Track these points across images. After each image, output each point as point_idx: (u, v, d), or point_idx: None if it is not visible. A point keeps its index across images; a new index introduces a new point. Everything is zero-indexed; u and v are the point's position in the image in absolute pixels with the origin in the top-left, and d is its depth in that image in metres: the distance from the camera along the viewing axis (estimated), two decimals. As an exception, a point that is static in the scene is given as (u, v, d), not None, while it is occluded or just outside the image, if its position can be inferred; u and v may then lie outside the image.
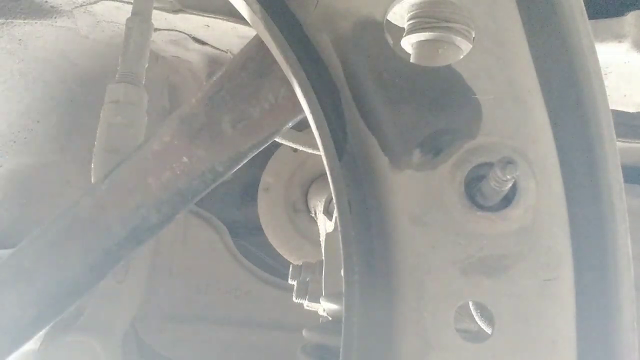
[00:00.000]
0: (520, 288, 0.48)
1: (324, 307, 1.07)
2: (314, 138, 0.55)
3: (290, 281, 1.42)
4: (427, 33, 0.75)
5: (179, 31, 1.51)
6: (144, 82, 1.22)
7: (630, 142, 1.46)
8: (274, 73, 0.64)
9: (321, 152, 0.54)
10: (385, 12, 0.55)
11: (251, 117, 0.66)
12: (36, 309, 0.71)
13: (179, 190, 0.68)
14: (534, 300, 0.48)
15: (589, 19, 0.52)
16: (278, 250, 2.13)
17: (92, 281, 0.72)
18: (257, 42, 0.65)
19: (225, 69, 0.68)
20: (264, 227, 2.12)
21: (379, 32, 0.55)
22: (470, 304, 0.77)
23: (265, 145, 0.70)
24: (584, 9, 0.52)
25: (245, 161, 0.70)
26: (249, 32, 0.68)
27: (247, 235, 2.23)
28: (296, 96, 0.59)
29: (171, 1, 1.36)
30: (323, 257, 1.22)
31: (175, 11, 1.38)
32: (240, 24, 1.39)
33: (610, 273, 0.48)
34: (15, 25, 1.38)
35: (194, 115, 0.67)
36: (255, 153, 0.70)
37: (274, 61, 0.61)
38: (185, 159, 0.67)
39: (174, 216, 0.70)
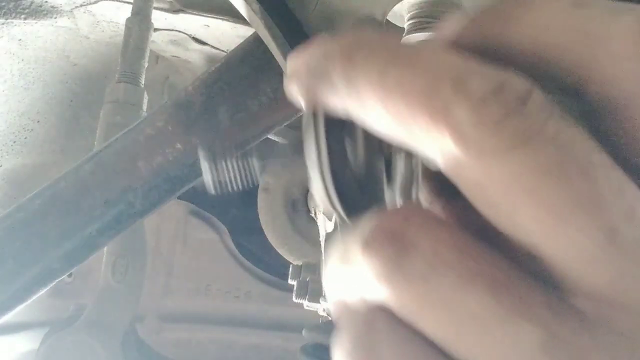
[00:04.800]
0: (520, 288, 0.48)
1: (324, 307, 1.07)
2: (314, 138, 0.55)
3: (290, 281, 1.42)
4: (427, 33, 0.75)
5: (179, 31, 1.50)
6: (144, 82, 1.22)
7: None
8: (273, 69, 0.63)
9: (321, 152, 0.54)
10: (385, 12, 0.55)
11: (249, 109, 0.65)
12: (1, 294, 0.65)
13: (168, 177, 0.66)
14: (534, 300, 0.48)
15: (589, 19, 0.52)
16: (278, 250, 2.13)
17: (64, 269, 0.67)
18: (258, 37, 0.64)
19: (224, 60, 0.67)
20: (264, 227, 2.12)
21: (379, 32, 0.55)
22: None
23: (260, 140, 0.69)
24: (584, 8, 0.52)
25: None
26: (249, 32, 0.68)
27: (247, 235, 2.23)
28: (295, 93, 0.59)
29: (171, 1, 1.36)
30: (323, 257, 1.22)
31: (175, 11, 1.38)
32: (240, 24, 1.39)
33: (610, 273, 0.48)
34: (15, 25, 1.38)
35: (190, 103, 0.66)
36: (250, 147, 0.69)
37: (274, 57, 0.61)
38: (179, 146, 0.66)
39: (158, 206, 0.67)
